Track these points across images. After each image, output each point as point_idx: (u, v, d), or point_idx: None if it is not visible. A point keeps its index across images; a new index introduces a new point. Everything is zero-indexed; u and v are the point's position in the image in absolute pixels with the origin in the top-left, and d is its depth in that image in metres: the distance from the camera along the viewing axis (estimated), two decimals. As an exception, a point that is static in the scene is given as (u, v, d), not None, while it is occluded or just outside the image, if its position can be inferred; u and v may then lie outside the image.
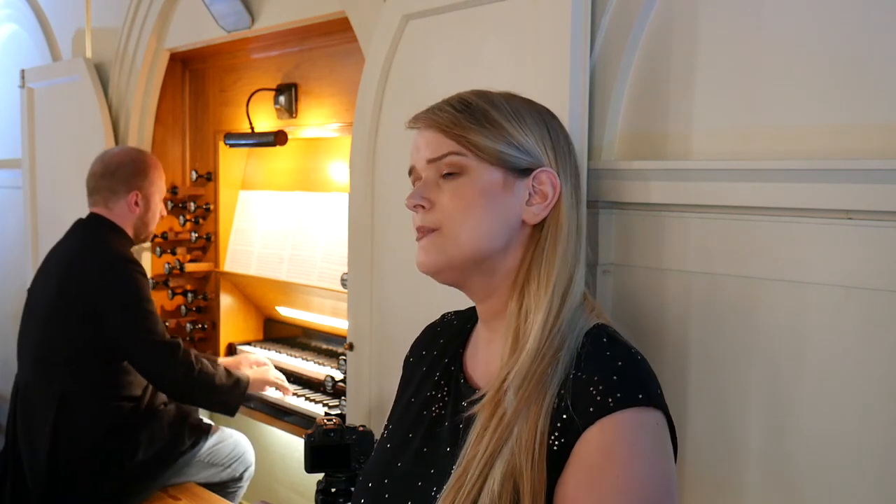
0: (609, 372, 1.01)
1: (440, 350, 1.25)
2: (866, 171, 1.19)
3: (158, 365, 2.35)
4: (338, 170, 2.70)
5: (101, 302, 2.32)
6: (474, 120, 1.09)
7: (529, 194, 1.11)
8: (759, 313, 1.35)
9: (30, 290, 2.57)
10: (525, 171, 1.11)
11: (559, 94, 1.51)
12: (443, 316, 1.34)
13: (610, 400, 0.98)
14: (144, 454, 2.34)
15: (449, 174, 1.10)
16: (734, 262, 1.38)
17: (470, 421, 1.05)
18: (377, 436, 1.75)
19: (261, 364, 2.64)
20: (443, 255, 1.10)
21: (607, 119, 1.56)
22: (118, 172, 2.49)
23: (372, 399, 2.01)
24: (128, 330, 2.33)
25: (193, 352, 2.46)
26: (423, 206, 1.11)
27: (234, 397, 2.43)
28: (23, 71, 3.47)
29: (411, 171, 1.16)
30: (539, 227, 1.12)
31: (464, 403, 1.11)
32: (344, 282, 2.27)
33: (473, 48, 1.69)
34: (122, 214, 2.49)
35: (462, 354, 1.22)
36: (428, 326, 1.34)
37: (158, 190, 2.57)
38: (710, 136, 1.45)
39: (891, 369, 1.21)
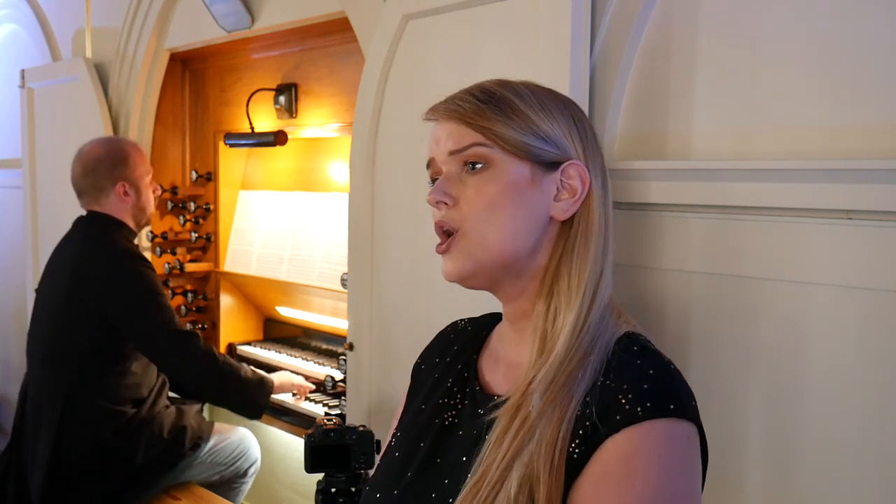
0: (640, 380, 0.94)
1: (453, 356, 1.18)
2: (866, 171, 1.19)
3: (180, 356, 2.32)
4: (338, 170, 2.70)
5: (109, 301, 2.31)
6: (499, 110, 1.03)
7: (557, 189, 1.04)
8: (759, 313, 1.35)
9: (37, 291, 2.56)
10: (553, 165, 1.04)
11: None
12: (455, 323, 1.27)
13: (639, 409, 0.92)
14: (143, 458, 2.33)
15: (472, 168, 1.03)
16: (734, 262, 1.37)
17: (488, 429, 0.99)
18: (378, 437, 1.76)
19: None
20: (470, 261, 1.03)
21: (607, 119, 1.56)
22: (98, 169, 2.46)
23: (372, 399, 2.01)
24: (142, 326, 2.31)
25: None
26: (445, 203, 1.05)
27: (262, 395, 2.38)
28: (23, 71, 3.47)
29: (429, 164, 1.10)
30: (568, 224, 1.05)
31: (480, 411, 1.06)
32: (344, 282, 2.27)
33: (473, 48, 1.69)
34: (115, 208, 2.47)
35: (477, 361, 1.16)
36: (440, 333, 1.27)
37: (144, 173, 2.52)
38: (710, 136, 1.45)
39: (891, 369, 1.21)
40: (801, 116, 1.33)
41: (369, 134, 1.95)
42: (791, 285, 1.30)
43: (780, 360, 1.32)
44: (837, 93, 1.29)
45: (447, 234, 1.05)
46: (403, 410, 1.21)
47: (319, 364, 2.69)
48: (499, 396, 1.04)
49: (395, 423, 1.22)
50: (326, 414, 2.39)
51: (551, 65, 1.53)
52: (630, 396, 0.93)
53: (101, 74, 3.12)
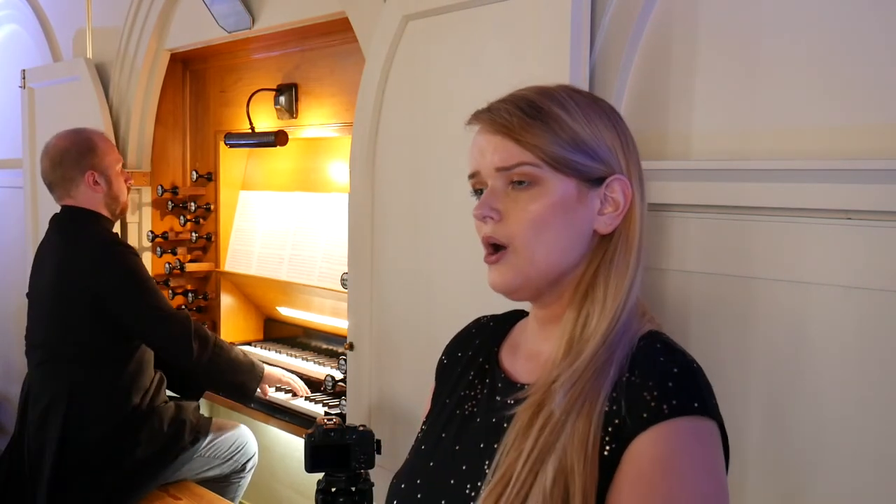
0: (665, 378, 0.96)
1: (475, 350, 1.21)
2: (866, 171, 1.19)
3: (174, 338, 2.34)
4: (338, 170, 2.70)
5: (99, 289, 2.31)
6: (547, 127, 1.02)
7: (601, 203, 1.05)
8: (759, 313, 1.35)
9: (28, 295, 2.56)
10: (599, 180, 1.05)
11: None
12: (478, 319, 1.28)
13: (665, 406, 0.93)
14: (144, 452, 2.34)
15: (519, 184, 1.03)
16: (734, 262, 1.37)
17: (508, 418, 1.01)
18: (378, 437, 1.76)
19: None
20: (520, 276, 1.04)
21: (607, 119, 1.55)
22: (65, 160, 2.44)
23: (372, 399, 2.01)
24: (133, 310, 2.32)
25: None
26: (492, 218, 1.04)
27: (252, 380, 2.42)
28: (23, 71, 3.47)
29: (474, 175, 1.08)
30: (608, 236, 1.06)
31: (498, 398, 1.08)
32: (344, 282, 2.27)
33: (473, 48, 1.69)
34: (88, 199, 2.45)
35: (497, 353, 1.18)
36: (463, 329, 1.29)
37: (113, 161, 2.50)
38: (709, 136, 1.45)
39: (891, 369, 1.21)
40: (801, 116, 1.33)
41: (369, 134, 1.95)
42: (791, 285, 1.30)
43: (780, 359, 1.32)
44: (837, 93, 1.29)
45: (494, 247, 1.06)
46: (431, 406, 1.23)
47: (319, 364, 2.69)
48: (520, 384, 1.07)
49: (423, 419, 1.24)
50: (326, 414, 2.39)
51: (551, 65, 1.53)
52: (655, 394, 0.94)
53: (102, 75, 3.13)
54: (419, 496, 1.09)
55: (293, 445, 2.81)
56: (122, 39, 3.03)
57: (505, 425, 1.02)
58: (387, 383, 1.97)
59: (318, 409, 2.44)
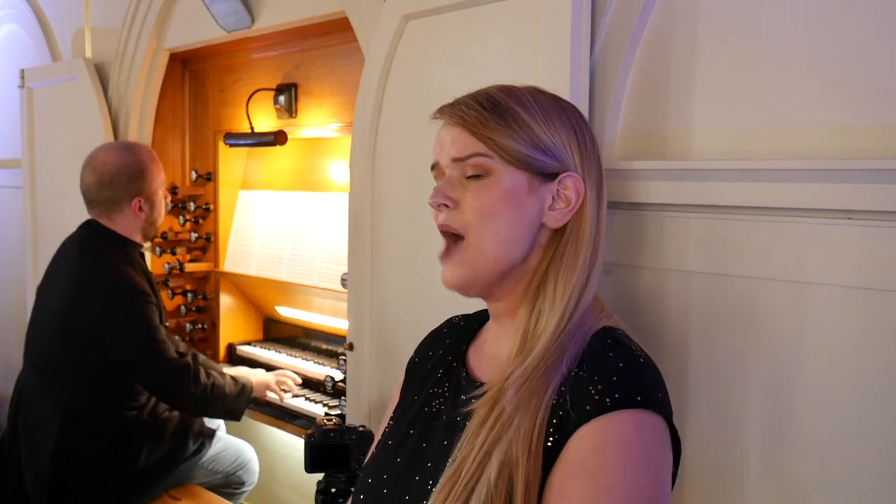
0: (610, 372, 0.99)
1: (445, 349, 1.24)
2: (866, 171, 1.19)
3: (174, 389, 2.32)
4: (338, 170, 2.70)
5: (108, 336, 2.26)
6: (502, 121, 1.07)
7: (553, 198, 1.09)
8: (759, 313, 1.35)
9: (38, 292, 2.51)
10: (551, 175, 1.08)
11: (559, 95, 1.50)
12: (449, 319, 1.33)
13: (608, 399, 0.97)
14: (146, 461, 2.32)
15: (473, 175, 1.08)
16: (734, 262, 1.38)
17: (469, 415, 1.04)
18: (377, 435, 1.76)
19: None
20: (471, 272, 1.08)
21: (607, 119, 1.56)
22: (115, 182, 2.35)
23: (372, 399, 2.01)
24: (141, 363, 2.28)
25: (201, 357, 2.47)
26: (446, 206, 1.09)
27: (240, 404, 2.43)
28: (22, 71, 3.47)
29: (434, 167, 1.14)
30: (560, 231, 1.09)
31: (462, 397, 1.11)
32: (344, 282, 2.27)
33: (473, 48, 1.69)
34: (127, 224, 2.38)
35: (465, 352, 1.21)
36: (435, 329, 1.33)
37: (159, 185, 2.44)
38: (710, 136, 1.45)
39: (891, 369, 1.21)
40: (801, 116, 1.33)
41: (369, 134, 1.95)
42: (791, 285, 1.30)
43: (780, 359, 1.33)
44: (837, 93, 1.29)
45: (452, 236, 1.10)
46: (398, 402, 1.27)
47: (319, 364, 2.69)
48: (479, 382, 1.11)
49: (388, 415, 1.28)
50: (326, 414, 2.39)
51: (551, 65, 1.53)
52: (600, 387, 0.98)
53: (101, 74, 3.12)
54: (385, 491, 1.12)
55: (293, 446, 2.81)
56: (121, 39, 3.03)
57: (466, 423, 1.05)
58: (386, 383, 1.97)
59: (318, 410, 2.44)
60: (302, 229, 2.78)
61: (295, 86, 2.73)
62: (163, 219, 2.51)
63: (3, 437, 2.52)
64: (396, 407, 1.26)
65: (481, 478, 0.97)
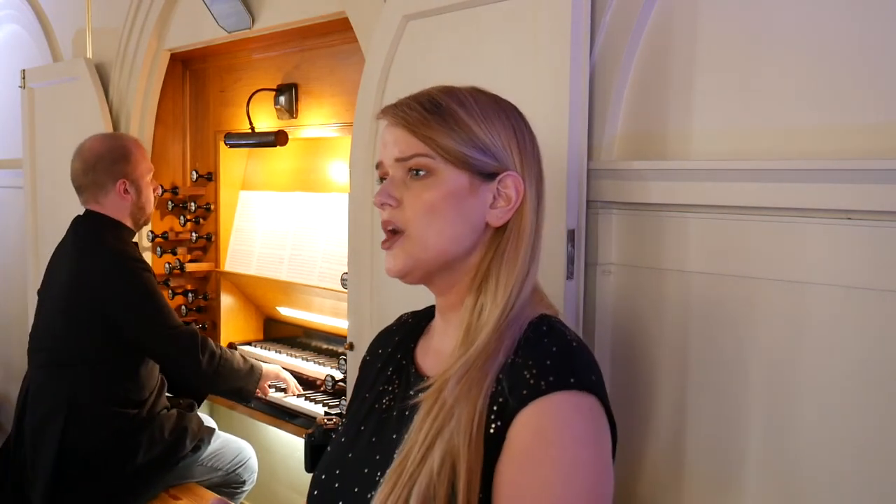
0: (543, 357, 1.04)
1: (394, 347, 1.28)
2: (866, 171, 1.19)
3: (183, 355, 2.35)
4: (338, 170, 2.70)
5: (111, 305, 2.31)
6: (443, 121, 1.10)
7: (494, 197, 1.12)
8: (759, 313, 1.35)
9: (39, 293, 2.55)
10: (491, 175, 1.12)
11: (559, 94, 1.51)
12: (399, 317, 1.37)
13: (542, 383, 1.01)
14: (144, 457, 2.33)
15: (416, 174, 1.11)
16: (734, 262, 1.38)
17: (416, 408, 1.08)
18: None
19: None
20: (411, 259, 1.13)
21: (607, 119, 1.56)
22: (98, 165, 2.42)
23: (372, 399, 2.01)
24: (145, 328, 2.33)
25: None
26: (390, 204, 1.13)
27: (251, 383, 2.44)
28: (23, 71, 3.47)
29: (379, 166, 1.17)
30: (502, 229, 1.13)
31: (411, 392, 1.15)
32: (344, 282, 2.27)
33: (473, 48, 1.69)
34: (115, 207, 2.44)
35: (414, 349, 1.25)
36: (385, 328, 1.37)
37: (145, 171, 2.49)
38: (710, 136, 1.45)
39: (891, 369, 1.21)
40: (801, 116, 1.33)
41: (369, 134, 1.95)
42: (791, 285, 1.30)
43: (780, 359, 1.32)
44: (837, 93, 1.29)
45: (393, 232, 1.15)
46: (350, 401, 1.31)
47: (319, 364, 2.69)
48: (426, 377, 1.14)
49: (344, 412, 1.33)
50: (326, 414, 2.38)
51: (551, 65, 1.53)
52: (535, 371, 1.02)
53: (102, 75, 3.13)
54: (336, 485, 1.15)
55: (293, 446, 2.81)
56: (121, 39, 3.03)
57: (413, 416, 1.09)
58: (387, 383, 1.97)
59: (318, 409, 2.44)
60: (302, 229, 2.78)
61: (295, 86, 2.73)
62: (152, 206, 2.54)
63: (7, 439, 2.53)
64: (349, 405, 1.30)
65: (425, 467, 1.01)
